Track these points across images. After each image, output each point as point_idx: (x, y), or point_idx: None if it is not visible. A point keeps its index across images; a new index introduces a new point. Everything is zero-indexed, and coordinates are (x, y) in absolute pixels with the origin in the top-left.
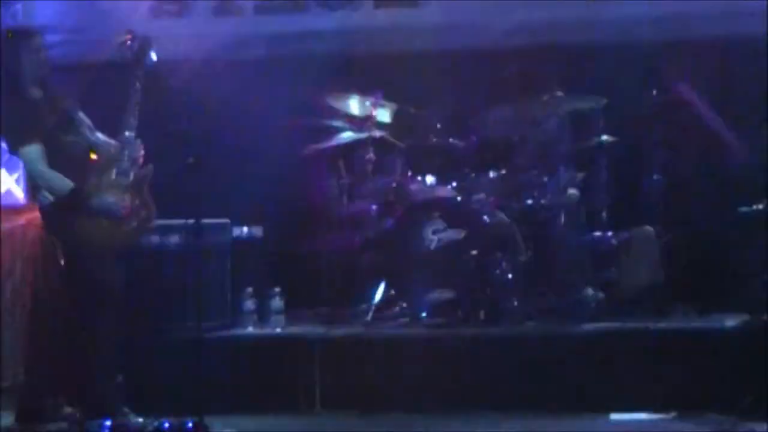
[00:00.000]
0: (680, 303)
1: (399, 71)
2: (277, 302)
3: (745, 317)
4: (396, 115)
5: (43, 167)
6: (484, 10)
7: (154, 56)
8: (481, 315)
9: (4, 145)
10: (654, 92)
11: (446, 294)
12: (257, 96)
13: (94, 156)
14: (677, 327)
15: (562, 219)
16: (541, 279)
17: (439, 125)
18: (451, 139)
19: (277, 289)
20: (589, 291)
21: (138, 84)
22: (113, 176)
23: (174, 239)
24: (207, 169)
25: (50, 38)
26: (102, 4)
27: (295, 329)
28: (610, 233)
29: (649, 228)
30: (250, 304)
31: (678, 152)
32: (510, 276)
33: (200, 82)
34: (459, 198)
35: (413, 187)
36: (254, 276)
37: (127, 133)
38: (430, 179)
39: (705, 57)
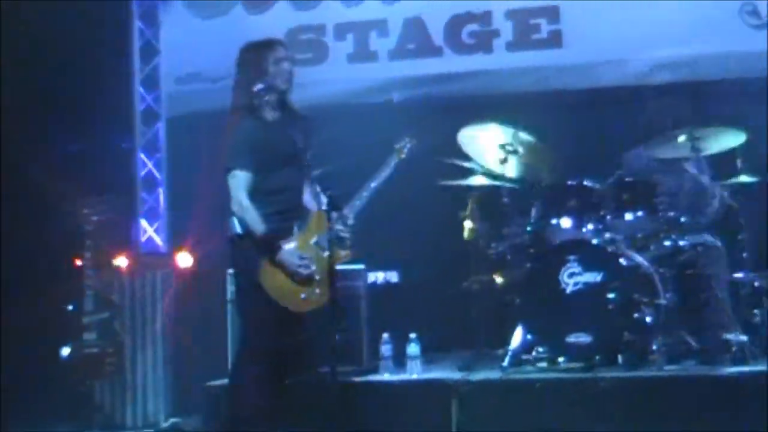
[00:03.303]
0: None
1: (535, 112)
2: (413, 347)
3: None
4: (532, 157)
5: (243, 198)
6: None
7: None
8: (620, 359)
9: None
10: None
11: (584, 338)
12: (392, 139)
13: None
14: None
15: (703, 261)
16: (682, 322)
17: (575, 167)
18: (587, 181)
19: (414, 335)
20: (732, 334)
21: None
22: (312, 240)
23: None
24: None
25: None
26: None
27: (432, 374)
28: (753, 274)
29: None
30: (386, 350)
31: None
32: (649, 319)
33: (337, 126)
34: (596, 240)
35: (549, 230)
36: (390, 321)
37: (346, 211)
38: (566, 222)
39: None
